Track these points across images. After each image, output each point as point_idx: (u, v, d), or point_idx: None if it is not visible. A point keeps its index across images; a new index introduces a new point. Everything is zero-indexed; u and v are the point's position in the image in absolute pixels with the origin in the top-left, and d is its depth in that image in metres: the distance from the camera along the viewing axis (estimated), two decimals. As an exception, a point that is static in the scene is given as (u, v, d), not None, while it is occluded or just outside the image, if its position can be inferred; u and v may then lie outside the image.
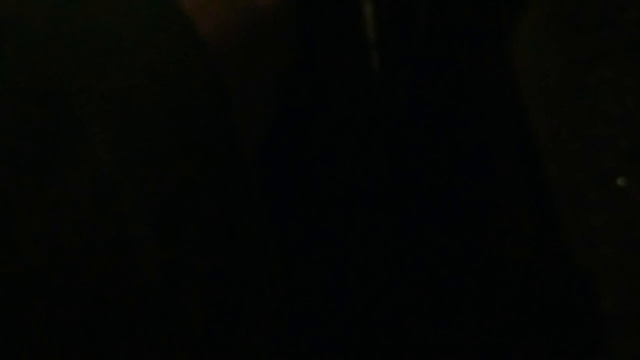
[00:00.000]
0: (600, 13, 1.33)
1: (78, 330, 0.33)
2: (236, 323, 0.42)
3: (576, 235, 1.14)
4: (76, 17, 0.35)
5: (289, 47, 0.52)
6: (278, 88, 0.84)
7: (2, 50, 0.31)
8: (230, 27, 0.44)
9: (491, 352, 0.93)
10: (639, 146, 1.23)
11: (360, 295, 0.94)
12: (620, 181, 1.19)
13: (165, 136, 0.36)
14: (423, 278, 0.95)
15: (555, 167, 1.17)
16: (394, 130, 1.02)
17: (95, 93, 0.34)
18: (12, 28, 0.33)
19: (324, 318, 0.95)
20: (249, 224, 0.42)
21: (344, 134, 1.01)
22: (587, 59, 1.29)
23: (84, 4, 0.35)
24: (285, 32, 0.51)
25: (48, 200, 0.31)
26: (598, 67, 1.29)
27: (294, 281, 0.95)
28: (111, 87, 0.34)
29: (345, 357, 0.93)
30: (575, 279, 1.02)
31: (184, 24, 0.38)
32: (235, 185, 0.40)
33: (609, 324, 1.10)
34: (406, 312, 0.93)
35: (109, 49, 0.35)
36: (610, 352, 1.03)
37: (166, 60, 0.37)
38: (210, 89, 0.40)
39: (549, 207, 1.06)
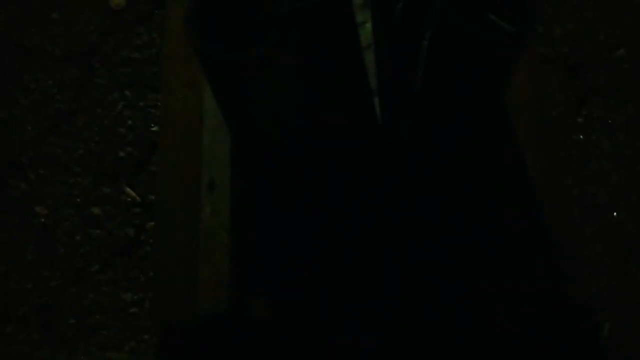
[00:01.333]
0: (591, 53, 1.38)
1: None
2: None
3: (574, 267, 1.20)
4: None
5: None
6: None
7: None
8: None
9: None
10: (631, 180, 1.28)
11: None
12: (614, 215, 1.24)
13: None
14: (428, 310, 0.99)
15: (550, 202, 1.22)
16: (396, 173, 1.07)
17: None
18: None
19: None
20: None
21: (348, 177, 1.06)
22: (578, 97, 1.35)
23: None
24: None
25: None
26: (589, 105, 1.34)
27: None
28: None
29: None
30: (574, 309, 1.07)
31: None
32: None
33: (608, 351, 1.14)
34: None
35: None
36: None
37: None
38: None
39: (546, 241, 1.11)
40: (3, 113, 1.33)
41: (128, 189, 1.25)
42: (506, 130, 1.17)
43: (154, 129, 1.30)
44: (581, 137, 1.32)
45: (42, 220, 1.24)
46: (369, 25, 1.12)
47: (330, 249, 1.01)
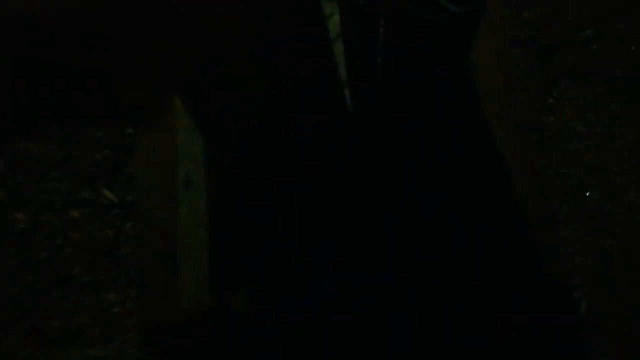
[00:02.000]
0: (560, 35, 1.40)
1: None
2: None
3: (550, 247, 1.22)
4: None
5: None
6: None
7: None
8: None
9: (478, 357, 0.99)
10: (603, 159, 1.30)
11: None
12: (587, 194, 1.26)
13: None
14: (412, 295, 1.01)
15: (524, 184, 1.24)
16: (366, 158, 1.08)
17: None
18: None
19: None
20: None
21: (322, 169, 1.08)
22: (549, 79, 1.37)
23: None
24: None
25: None
26: (560, 86, 1.36)
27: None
28: None
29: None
30: (552, 288, 1.09)
31: None
32: None
33: (586, 327, 1.17)
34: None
35: None
36: (587, 352, 1.10)
37: None
38: None
39: (522, 222, 1.13)
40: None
41: (106, 192, 1.26)
42: (477, 114, 1.19)
43: (129, 131, 1.31)
44: (552, 118, 1.34)
45: (22, 226, 1.24)
46: (336, 17, 1.12)
47: (308, 241, 1.02)
